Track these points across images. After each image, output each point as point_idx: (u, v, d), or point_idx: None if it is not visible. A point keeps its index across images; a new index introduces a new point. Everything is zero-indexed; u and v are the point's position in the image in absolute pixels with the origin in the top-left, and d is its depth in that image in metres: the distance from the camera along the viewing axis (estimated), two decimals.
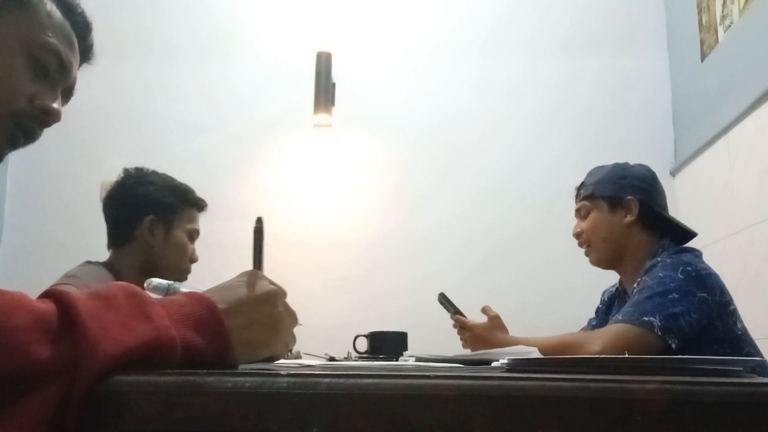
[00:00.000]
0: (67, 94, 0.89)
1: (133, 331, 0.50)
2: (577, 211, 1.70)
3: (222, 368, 0.58)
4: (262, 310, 0.63)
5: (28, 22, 0.82)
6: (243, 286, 0.63)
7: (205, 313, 0.57)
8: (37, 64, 0.82)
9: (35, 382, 0.44)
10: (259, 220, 0.72)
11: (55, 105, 0.84)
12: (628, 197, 1.62)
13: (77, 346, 0.46)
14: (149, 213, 1.69)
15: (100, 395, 0.45)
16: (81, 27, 0.90)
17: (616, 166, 1.68)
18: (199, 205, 1.79)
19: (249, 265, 0.69)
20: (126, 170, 1.76)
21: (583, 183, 1.72)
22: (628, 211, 1.62)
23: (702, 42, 2.56)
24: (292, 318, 0.69)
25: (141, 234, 1.68)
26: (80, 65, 0.92)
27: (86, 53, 0.92)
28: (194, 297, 0.58)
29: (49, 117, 0.84)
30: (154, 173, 1.77)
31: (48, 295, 0.50)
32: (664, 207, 1.67)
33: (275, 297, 0.65)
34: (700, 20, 2.57)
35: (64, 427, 0.44)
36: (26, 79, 0.82)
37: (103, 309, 0.50)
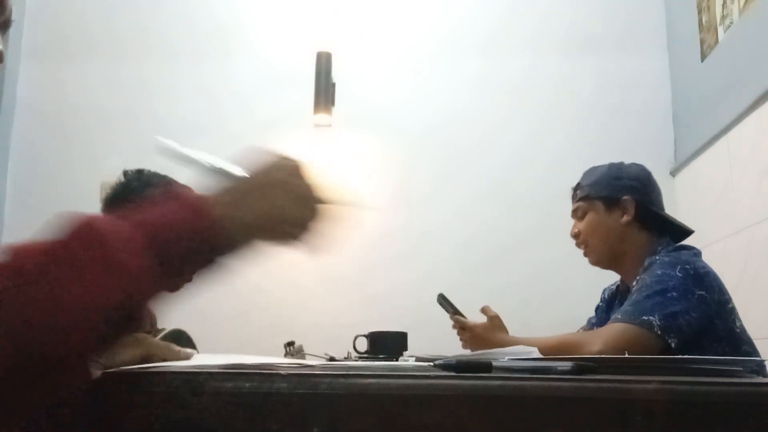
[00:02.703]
0: (4, 25, 0.85)
1: (100, 293, 0.45)
2: (574, 211, 1.70)
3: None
4: (268, 178, 0.58)
5: None
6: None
7: (184, 205, 0.55)
8: None
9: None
10: None
11: None
12: (624, 197, 1.62)
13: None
14: None
15: (100, 395, 0.45)
16: None
17: (611, 166, 1.68)
18: None
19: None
20: (125, 172, 1.75)
21: (578, 183, 1.71)
22: (625, 212, 1.62)
23: (702, 42, 2.55)
24: (318, 191, 0.62)
25: None
26: None
27: None
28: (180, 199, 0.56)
29: None
30: (155, 174, 1.75)
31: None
32: (661, 206, 1.67)
33: (287, 166, 0.60)
34: (700, 20, 2.57)
35: (62, 424, 0.44)
36: None
37: (59, 272, 0.46)
